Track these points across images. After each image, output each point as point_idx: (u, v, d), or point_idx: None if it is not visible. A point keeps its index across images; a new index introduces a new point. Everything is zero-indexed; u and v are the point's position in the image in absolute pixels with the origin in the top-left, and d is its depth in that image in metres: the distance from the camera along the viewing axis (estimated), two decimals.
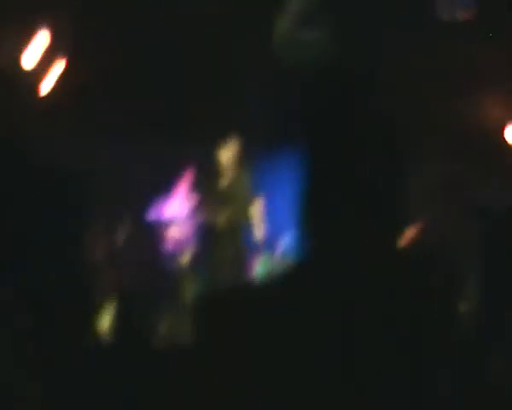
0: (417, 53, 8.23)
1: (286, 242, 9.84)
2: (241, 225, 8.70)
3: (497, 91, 9.48)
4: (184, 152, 9.94)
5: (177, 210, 9.07)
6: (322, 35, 6.74)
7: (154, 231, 8.93)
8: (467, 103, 9.21)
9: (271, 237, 9.63)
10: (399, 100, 1.66)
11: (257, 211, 8.92)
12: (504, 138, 9.93)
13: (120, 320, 7.83)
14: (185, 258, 8.72)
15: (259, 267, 9.01)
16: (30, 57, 8.10)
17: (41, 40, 8.08)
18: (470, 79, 8.82)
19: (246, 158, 8.94)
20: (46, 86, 8.52)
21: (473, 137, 9.24)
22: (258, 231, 8.95)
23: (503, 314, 2.10)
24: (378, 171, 1.52)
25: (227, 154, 8.78)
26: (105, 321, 7.75)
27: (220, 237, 8.46)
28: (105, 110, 9.13)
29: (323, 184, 1.54)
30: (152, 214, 9.01)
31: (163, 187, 9.42)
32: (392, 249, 1.55)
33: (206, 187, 8.71)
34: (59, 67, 8.62)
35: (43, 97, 8.48)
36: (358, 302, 1.48)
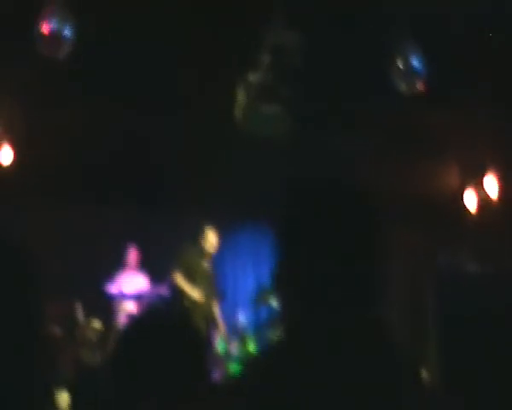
0: (376, 125, 8.35)
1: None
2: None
3: (456, 159, 9.62)
4: (136, 224, 9.96)
5: (132, 286, 9.02)
6: (282, 108, 6.80)
7: (110, 308, 8.83)
8: (426, 171, 9.34)
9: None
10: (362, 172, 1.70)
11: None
12: (463, 204, 10.04)
13: (78, 398, 7.71)
14: None
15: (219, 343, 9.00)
16: None
17: None
18: (429, 147, 8.94)
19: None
20: None
21: (432, 204, 9.35)
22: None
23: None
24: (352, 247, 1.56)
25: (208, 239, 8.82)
26: (63, 399, 7.64)
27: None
28: (62, 183, 9.08)
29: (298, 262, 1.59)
30: (111, 289, 8.93)
31: (121, 262, 9.35)
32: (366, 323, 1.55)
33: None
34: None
35: None
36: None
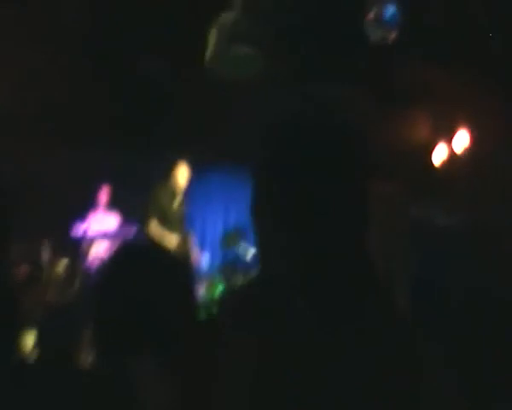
0: (348, 73, 8.31)
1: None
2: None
3: (427, 112, 9.65)
4: (108, 165, 9.91)
5: (102, 226, 8.96)
6: (253, 50, 6.75)
7: (78, 248, 8.77)
8: (397, 123, 9.35)
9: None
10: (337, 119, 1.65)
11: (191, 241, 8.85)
12: (431, 160, 10.10)
13: (44, 337, 7.71)
14: None
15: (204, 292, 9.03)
16: None
17: None
18: (401, 99, 8.94)
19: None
20: None
21: (402, 156, 9.37)
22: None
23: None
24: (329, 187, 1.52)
25: (180, 177, 8.68)
26: (29, 339, 7.64)
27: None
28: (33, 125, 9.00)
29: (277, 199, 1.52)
30: (76, 230, 8.86)
31: (87, 202, 9.29)
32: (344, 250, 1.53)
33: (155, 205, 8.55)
34: None
35: None
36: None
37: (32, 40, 7.80)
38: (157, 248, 2.27)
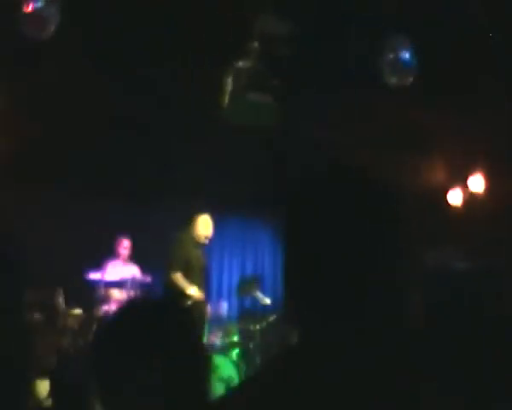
0: (364, 118, 8.34)
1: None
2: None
3: (442, 156, 9.63)
4: (127, 217, 9.93)
5: (119, 275, 8.93)
6: (269, 98, 6.80)
7: (94, 296, 8.73)
8: (412, 167, 9.33)
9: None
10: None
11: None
12: (447, 201, 10.06)
13: (58, 386, 7.67)
14: None
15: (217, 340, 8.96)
16: None
17: None
18: (416, 144, 8.94)
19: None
20: None
21: (418, 200, 9.34)
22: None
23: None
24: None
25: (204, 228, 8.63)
26: (43, 386, 7.59)
27: None
28: (47, 171, 9.04)
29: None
30: (92, 279, 8.81)
31: (103, 252, 9.29)
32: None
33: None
34: None
35: None
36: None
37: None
38: (173, 302, 2.22)
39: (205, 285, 8.80)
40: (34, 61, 7.29)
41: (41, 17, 6.15)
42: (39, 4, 6.11)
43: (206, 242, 8.72)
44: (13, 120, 8.28)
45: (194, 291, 8.26)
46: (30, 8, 6.11)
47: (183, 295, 8.12)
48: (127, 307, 1.99)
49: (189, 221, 8.63)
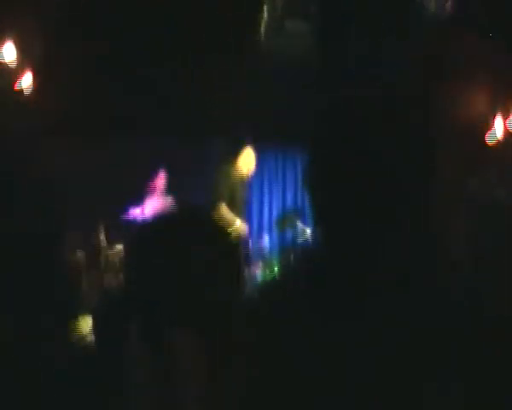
0: (405, 46, 8.21)
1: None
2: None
3: (485, 86, 9.48)
4: (160, 152, 9.96)
5: (158, 208, 8.96)
6: (308, 27, 6.73)
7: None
8: (454, 96, 9.20)
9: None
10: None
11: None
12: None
13: (100, 323, 7.81)
14: None
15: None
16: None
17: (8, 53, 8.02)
18: (457, 72, 8.81)
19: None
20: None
21: (463, 127, 9.24)
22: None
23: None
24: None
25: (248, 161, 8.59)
26: (85, 324, 7.75)
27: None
28: (79, 112, 9.08)
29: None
30: (132, 215, 8.88)
31: (142, 187, 9.32)
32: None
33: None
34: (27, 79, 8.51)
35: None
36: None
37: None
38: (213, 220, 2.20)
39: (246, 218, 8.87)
40: None
41: None
42: None
43: (249, 174, 8.73)
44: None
45: (239, 224, 8.29)
46: None
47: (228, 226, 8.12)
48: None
49: (231, 154, 8.59)
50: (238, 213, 8.40)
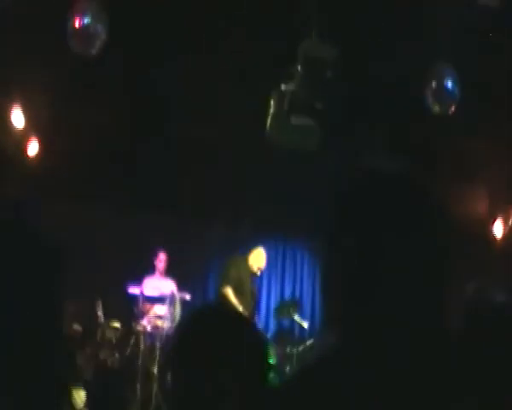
0: (408, 144, 8.32)
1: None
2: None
3: (484, 186, 9.55)
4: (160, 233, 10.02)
5: (158, 290, 8.96)
6: (311, 122, 6.84)
7: (133, 310, 8.78)
8: (455, 197, 9.26)
9: None
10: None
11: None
12: (492, 233, 9.95)
13: (95, 396, 7.75)
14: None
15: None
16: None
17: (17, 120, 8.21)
18: (457, 173, 8.89)
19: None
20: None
21: (460, 231, 9.23)
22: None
23: None
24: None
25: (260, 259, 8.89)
26: (80, 397, 7.68)
27: None
28: (91, 182, 9.18)
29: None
30: (131, 293, 8.86)
31: (142, 267, 9.36)
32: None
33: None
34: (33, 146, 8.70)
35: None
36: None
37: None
38: (233, 312, 2.34)
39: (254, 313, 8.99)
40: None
41: (88, 33, 6.28)
42: (87, 21, 6.24)
43: (258, 273, 9.02)
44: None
45: (242, 311, 8.29)
46: (78, 25, 6.24)
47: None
48: (200, 315, 2.10)
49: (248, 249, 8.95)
50: (245, 303, 8.51)
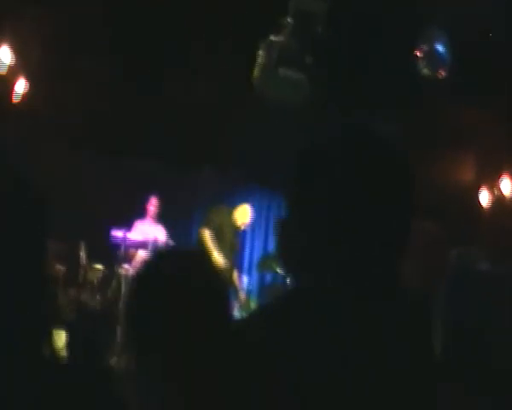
0: (396, 106, 8.30)
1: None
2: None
3: (472, 151, 9.57)
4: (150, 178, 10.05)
5: (145, 236, 8.99)
6: (300, 74, 6.83)
7: (117, 253, 8.81)
8: (442, 163, 9.28)
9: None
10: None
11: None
12: (478, 201, 9.99)
13: (75, 338, 7.81)
14: None
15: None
16: None
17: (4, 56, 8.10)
18: (447, 138, 8.89)
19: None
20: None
21: (448, 196, 9.28)
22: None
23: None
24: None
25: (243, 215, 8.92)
26: (60, 339, 7.73)
27: None
28: (79, 126, 9.18)
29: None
30: (117, 236, 8.87)
31: (130, 210, 9.41)
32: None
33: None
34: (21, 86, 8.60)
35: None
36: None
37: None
38: (202, 254, 2.35)
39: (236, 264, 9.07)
40: None
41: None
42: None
43: (242, 227, 9.07)
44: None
45: (219, 257, 8.47)
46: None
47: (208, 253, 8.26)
48: (158, 257, 2.13)
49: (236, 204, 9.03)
50: (224, 250, 8.58)
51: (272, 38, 6.73)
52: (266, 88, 7.01)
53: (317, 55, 6.67)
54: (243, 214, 8.95)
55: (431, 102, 8.07)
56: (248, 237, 11.57)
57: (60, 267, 8.16)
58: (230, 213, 8.88)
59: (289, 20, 6.44)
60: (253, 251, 11.53)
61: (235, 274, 9.03)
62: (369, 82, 7.72)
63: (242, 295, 9.03)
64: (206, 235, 8.57)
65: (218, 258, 8.44)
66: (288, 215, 1.64)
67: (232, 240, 8.88)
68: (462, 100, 8.04)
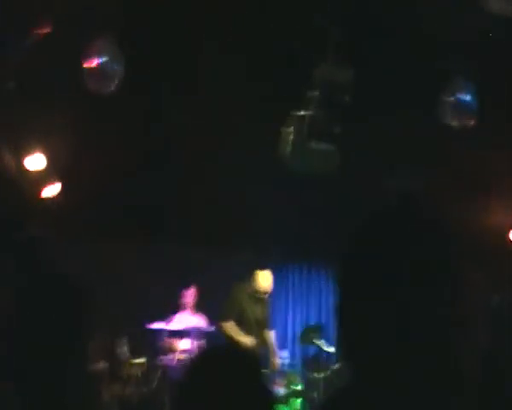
0: (427, 160, 8.28)
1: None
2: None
3: (500, 197, 9.50)
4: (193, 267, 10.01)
5: (183, 323, 8.92)
6: (330, 146, 6.84)
7: (158, 346, 8.74)
8: (473, 208, 9.22)
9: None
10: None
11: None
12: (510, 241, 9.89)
13: None
14: None
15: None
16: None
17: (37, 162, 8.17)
18: (475, 185, 8.85)
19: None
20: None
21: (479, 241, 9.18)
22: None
23: None
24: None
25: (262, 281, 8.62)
26: None
27: None
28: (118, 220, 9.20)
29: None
30: (157, 329, 8.80)
31: (170, 299, 9.34)
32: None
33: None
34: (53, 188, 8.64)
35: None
36: None
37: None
38: (232, 350, 2.38)
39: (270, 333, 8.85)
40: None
41: (105, 73, 6.29)
42: (103, 60, 6.25)
43: (266, 296, 8.69)
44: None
45: (245, 339, 8.20)
46: (94, 64, 6.25)
47: (234, 342, 8.04)
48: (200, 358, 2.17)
49: (248, 275, 8.63)
50: (250, 331, 8.37)
51: (301, 112, 6.73)
52: (299, 162, 7.02)
53: (343, 126, 6.68)
54: (264, 281, 8.58)
55: (458, 151, 8.06)
56: (290, 310, 11.50)
57: (103, 363, 8.09)
58: (248, 286, 8.55)
59: (316, 92, 6.44)
60: (295, 325, 11.44)
61: (270, 336, 8.76)
62: (397, 141, 7.73)
63: (276, 361, 8.78)
64: (229, 326, 8.28)
65: (245, 340, 8.16)
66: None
67: (257, 314, 8.57)
68: (488, 146, 8.02)
